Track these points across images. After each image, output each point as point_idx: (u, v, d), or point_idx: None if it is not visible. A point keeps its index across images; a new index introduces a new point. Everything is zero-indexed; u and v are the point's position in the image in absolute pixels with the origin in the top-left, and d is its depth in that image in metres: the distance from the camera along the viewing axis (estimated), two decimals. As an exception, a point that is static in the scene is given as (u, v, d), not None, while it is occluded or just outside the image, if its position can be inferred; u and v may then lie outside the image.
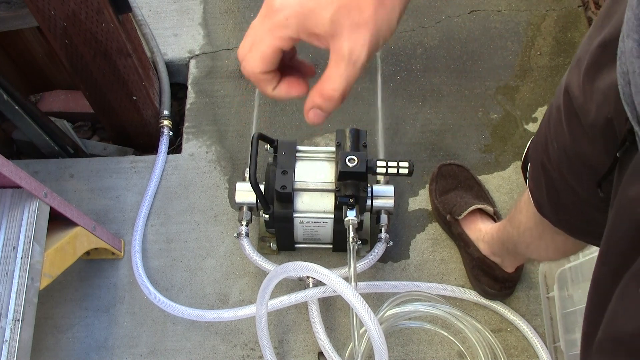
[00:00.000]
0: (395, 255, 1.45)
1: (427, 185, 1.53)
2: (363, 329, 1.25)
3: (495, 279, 1.32)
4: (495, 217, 1.38)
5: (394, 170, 1.27)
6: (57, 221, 1.19)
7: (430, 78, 1.71)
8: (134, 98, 1.55)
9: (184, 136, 1.65)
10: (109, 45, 1.40)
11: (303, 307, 1.38)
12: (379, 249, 1.37)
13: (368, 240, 1.46)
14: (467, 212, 1.36)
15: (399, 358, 1.34)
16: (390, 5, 0.45)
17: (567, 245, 1.00)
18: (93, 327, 1.40)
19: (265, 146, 1.35)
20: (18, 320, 1.03)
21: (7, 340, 1.01)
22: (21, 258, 1.06)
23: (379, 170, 1.27)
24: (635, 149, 0.50)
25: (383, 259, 1.42)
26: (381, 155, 1.58)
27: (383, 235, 1.37)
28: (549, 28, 1.77)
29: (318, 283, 1.31)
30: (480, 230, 1.34)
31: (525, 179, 0.92)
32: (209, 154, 1.62)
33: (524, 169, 0.93)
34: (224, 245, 1.48)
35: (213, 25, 1.83)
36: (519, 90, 1.68)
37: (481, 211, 1.38)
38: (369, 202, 1.33)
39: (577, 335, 1.19)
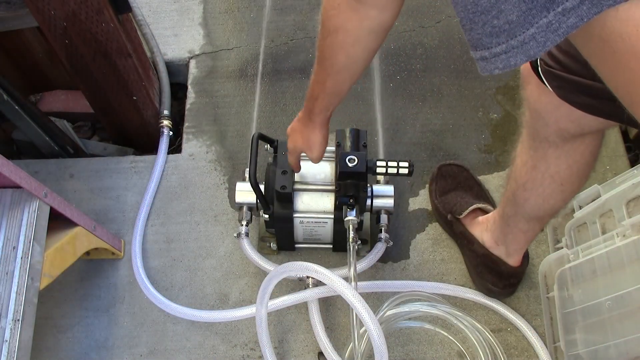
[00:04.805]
0: (395, 255, 1.45)
1: (427, 185, 1.53)
2: (363, 329, 1.25)
3: (500, 275, 1.31)
4: (495, 216, 1.37)
5: (394, 170, 1.27)
6: (57, 221, 1.19)
7: (430, 78, 1.71)
8: (134, 98, 1.55)
9: (184, 136, 1.65)
10: (109, 45, 1.40)
11: (303, 307, 1.38)
12: (379, 249, 1.37)
13: (368, 240, 1.45)
14: (467, 211, 1.36)
15: (399, 358, 1.34)
16: None
17: (560, 167, 1.01)
18: (93, 327, 1.40)
19: (265, 146, 1.35)
20: (18, 320, 1.03)
21: (7, 340, 1.01)
22: (21, 258, 1.06)
23: (379, 170, 1.27)
24: None
25: (383, 259, 1.42)
26: (381, 155, 1.58)
27: (383, 235, 1.37)
28: (549, 28, 1.77)
29: (318, 283, 1.31)
30: (483, 222, 1.33)
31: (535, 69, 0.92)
32: (209, 154, 1.62)
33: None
34: (224, 245, 1.48)
35: (213, 25, 1.83)
36: (519, 90, 1.67)
37: (481, 211, 1.37)
38: (369, 202, 1.33)
39: (577, 336, 1.19)
